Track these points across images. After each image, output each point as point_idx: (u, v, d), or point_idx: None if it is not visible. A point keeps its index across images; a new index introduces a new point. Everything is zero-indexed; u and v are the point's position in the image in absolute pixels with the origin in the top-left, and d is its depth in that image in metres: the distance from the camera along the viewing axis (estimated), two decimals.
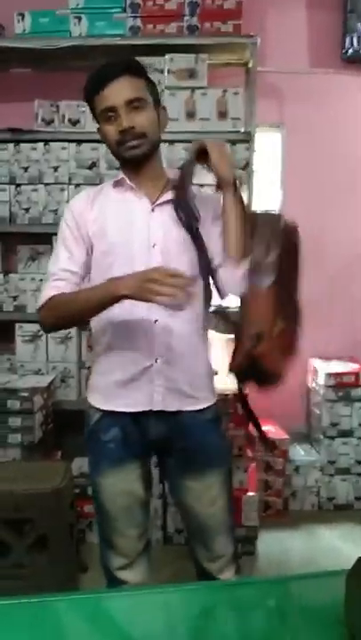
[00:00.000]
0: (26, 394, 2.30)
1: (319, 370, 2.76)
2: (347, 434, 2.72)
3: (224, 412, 1.47)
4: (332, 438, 2.72)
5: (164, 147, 1.54)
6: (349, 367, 2.76)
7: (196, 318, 1.40)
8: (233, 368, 1.29)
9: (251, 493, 2.38)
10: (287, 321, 1.29)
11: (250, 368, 1.25)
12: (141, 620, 0.83)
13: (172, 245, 1.37)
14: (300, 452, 2.79)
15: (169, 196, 1.39)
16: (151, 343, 1.36)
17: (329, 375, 2.69)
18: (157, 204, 1.39)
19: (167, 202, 1.38)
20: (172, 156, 2.36)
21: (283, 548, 2.43)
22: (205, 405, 1.42)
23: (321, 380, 2.72)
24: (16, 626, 0.80)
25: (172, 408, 1.38)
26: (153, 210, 1.39)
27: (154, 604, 0.88)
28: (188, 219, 1.37)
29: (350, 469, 2.74)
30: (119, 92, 1.31)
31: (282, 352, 1.28)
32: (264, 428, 2.74)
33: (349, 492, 2.75)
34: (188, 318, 1.37)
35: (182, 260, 1.36)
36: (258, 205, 2.51)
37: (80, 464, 2.48)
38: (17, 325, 2.60)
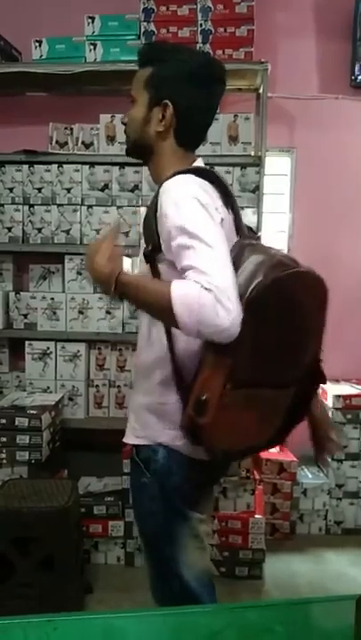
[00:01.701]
0: (34, 412, 2.31)
1: (328, 392, 2.75)
2: (355, 457, 2.70)
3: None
4: (341, 461, 2.70)
5: None
6: (358, 389, 2.75)
7: (146, 347, 1.27)
8: (182, 427, 1.16)
9: (258, 516, 2.36)
10: (262, 400, 1.12)
11: (192, 435, 1.14)
12: None
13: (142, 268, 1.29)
14: (307, 475, 2.77)
15: None
16: None
17: (337, 397, 2.68)
18: None
19: None
20: None
21: (290, 571, 2.40)
22: (137, 443, 1.28)
23: (329, 402, 2.71)
24: None
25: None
26: None
27: (161, 627, 0.88)
28: (146, 240, 1.23)
29: (359, 493, 2.71)
30: None
31: (232, 431, 1.11)
32: (271, 449, 2.75)
33: (358, 515, 2.72)
34: (139, 345, 1.30)
35: None
36: (266, 230, 2.54)
37: (86, 483, 2.48)
38: (27, 343, 2.62)
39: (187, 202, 1.11)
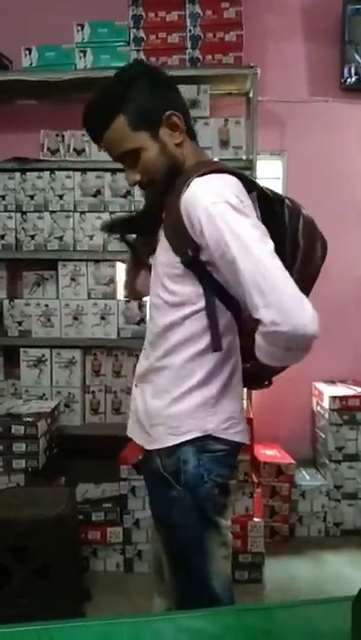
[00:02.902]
0: (30, 419, 2.30)
1: (324, 393, 2.75)
2: (353, 458, 2.69)
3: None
4: (338, 462, 2.70)
5: None
6: (354, 390, 2.75)
7: (171, 349, 1.23)
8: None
9: (256, 519, 2.36)
10: None
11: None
12: None
13: (158, 268, 1.24)
14: (305, 477, 2.77)
15: None
16: (137, 367, 1.33)
17: (334, 399, 2.68)
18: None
19: None
20: None
21: (289, 574, 2.39)
22: (158, 447, 1.24)
23: (326, 403, 2.72)
24: None
25: (135, 439, 1.32)
26: None
27: (161, 632, 0.87)
28: (177, 243, 1.17)
29: (357, 494, 2.71)
30: (109, 152, 1.24)
31: None
32: (270, 452, 2.76)
33: (356, 517, 2.71)
34: (164, 348, 1.23)
35: (161, 292, 1.22)
36: None
37: (84, 490, 2.47)
38: (21, 350, 2.62)
39: (217, 209, 1.09)
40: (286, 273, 1.06)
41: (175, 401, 1.22)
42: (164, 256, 1.21)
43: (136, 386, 1.33)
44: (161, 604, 1.43)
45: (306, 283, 1.20)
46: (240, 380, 1.28)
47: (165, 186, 1.22)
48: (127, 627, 0.90)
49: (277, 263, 1.07)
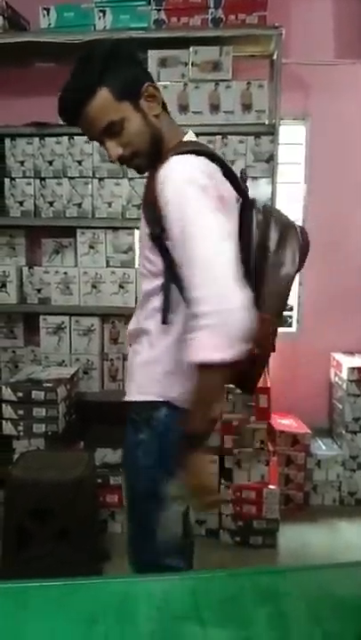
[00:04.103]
0: (50, 385, 2.33)
1: (343, 364, 2.74)
2: None
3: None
4: (355, 433, 2.71)
5: None
6: None
7: (150, 314, 1.29)
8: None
9: (272, 487, 2.38)
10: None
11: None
12: (169, 605, 0.85)
13: (141, 238, 1.31)
14: (321, 447, 2.78)
15: None
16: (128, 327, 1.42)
17: (352, 369, 2.67)
18: None
19: None
20: None
21: (303, 541, 2.43)
22: (131, 399, 1.32)
23: (344, 374, 2.71)
24: (42, 609, 0.83)
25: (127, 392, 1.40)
26: None
27: (181, 591, 0.89)
28: (149, 217, 1.22)
29: None
30: (91, 127, 1.22)
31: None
32: (286, 421, 2.77)
33: None
34: (145, 313, 1.30)
35: (145, 261, 1.27)
36: (281, 200, 2.49)
37: (103, 454, 2.51)
38: (41, 317, 2.64)
39: (186, 189, 1.13)
40: (230, 259, 1.10)
41: (147, 364, 1.30)
42: (144, 228, 1.27)
43: (130, 345, 1.40)
44: None
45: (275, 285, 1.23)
46: None
47: (150, 157, 1.25)
48: (145, 585, 0.92)
49: (225, 248, 1.11)
